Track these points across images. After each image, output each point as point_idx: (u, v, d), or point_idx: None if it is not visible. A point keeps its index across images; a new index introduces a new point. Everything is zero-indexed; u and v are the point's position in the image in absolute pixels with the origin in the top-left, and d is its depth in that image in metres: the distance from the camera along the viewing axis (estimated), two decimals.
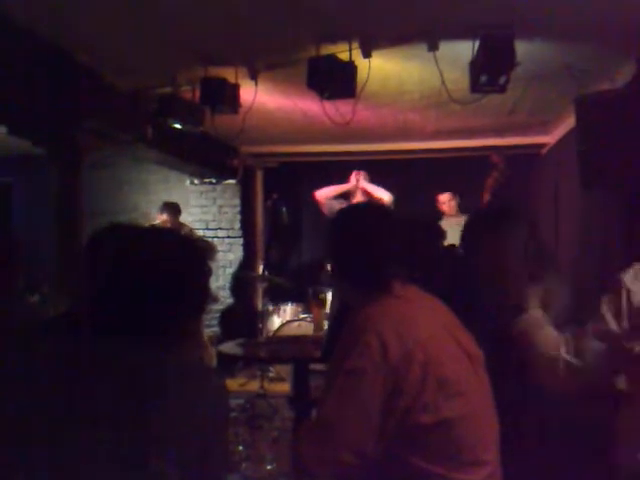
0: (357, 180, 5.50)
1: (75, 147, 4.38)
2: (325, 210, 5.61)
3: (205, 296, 1.38)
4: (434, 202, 5.79)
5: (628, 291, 1.65)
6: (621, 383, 1.75)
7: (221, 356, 3.82)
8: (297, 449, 1.52)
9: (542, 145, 6.27)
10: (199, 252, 1.36)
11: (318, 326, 3.36)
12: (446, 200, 5.58)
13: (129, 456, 1.10)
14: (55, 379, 1.16)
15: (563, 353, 1.73)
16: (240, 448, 2.29)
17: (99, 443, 1.10)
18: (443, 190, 5.70)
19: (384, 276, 1.62)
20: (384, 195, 5.44)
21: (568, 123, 5.18)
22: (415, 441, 1.47)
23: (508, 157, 5.88)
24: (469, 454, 1.51)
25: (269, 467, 2.21)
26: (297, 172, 7.07)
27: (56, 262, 4.28)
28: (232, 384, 5.22)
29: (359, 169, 5.59)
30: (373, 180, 5.65)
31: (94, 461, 1.10)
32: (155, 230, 1.59)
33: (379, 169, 5.77)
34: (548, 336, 1.81)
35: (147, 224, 6.25)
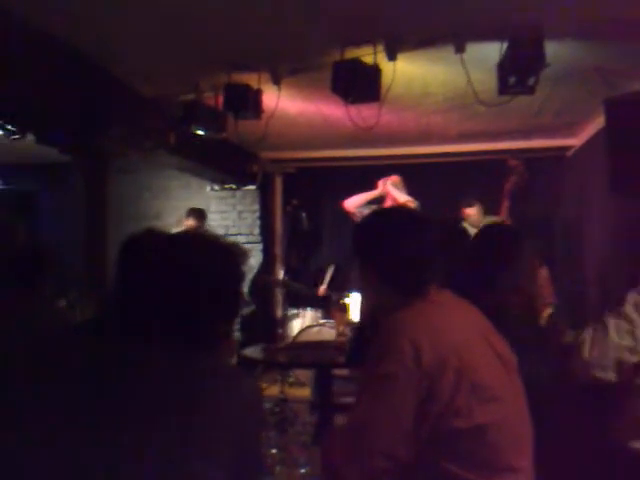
0: (384, 185, 5.43)
1: (101, 154, 4.42)
2: (356, 219, 5.54)
3: (239, 300, 1.39)
4: (456, 206, 5.72)
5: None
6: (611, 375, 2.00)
7: (240, 360, 3.83)
8: (327, 456, 1.50)
9: (568, 147, 6.19)
10: (233, 256, 1.37)
11: (340, 332, 3.32)
12: (473, 213, 5.50)
13: (172, 459, 1.11)
14: (95, 381, 1.17)
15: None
16: (274, 451, 2.27)
17: (142, 446, 1.11)
18: (465, 195, 5.60)
19: (422, 280, 1.60)
20: (407, 201, 5.37)
21: (595, 125, 5.11)
22: (448, 447, 1.46)
23: (532, 160, 5.84)
24: (503, 460, 1.49)
25: (303, 471, 2.19)
26: (316, 177, 7.07)
27: (83, 268, 4.33)
28: None
29: (389, 175, 5.51)
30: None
31: (139, 464, 1.10)
32: (190, 236, 1.59)
33: (400, 173, 5.71)
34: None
35: (171, 230, 6.30)
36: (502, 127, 5.37)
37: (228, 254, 1.36)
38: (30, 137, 4.19)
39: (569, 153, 6.25)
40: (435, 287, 1.61)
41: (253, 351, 3.17)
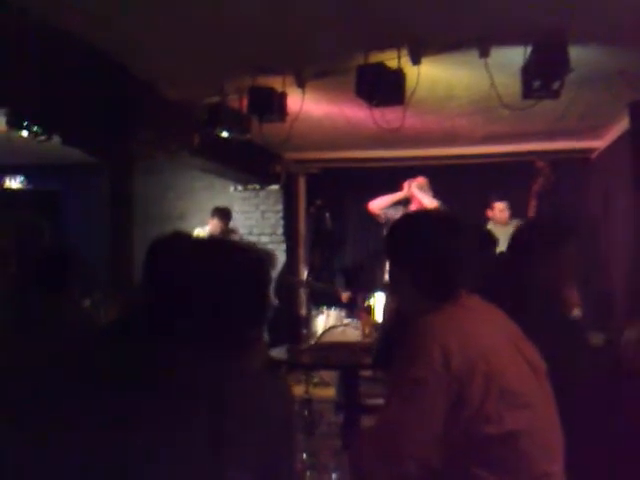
0: (409, 187, 5.42)
1: (128, 156, 4.48)
2: (382, 220, 5.55)
3: (267, 305, 1.39)
4: (481, 207, 5.69)
5: None
6: None
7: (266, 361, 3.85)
8: (356, 460, 1.51)
9: (592, 150, 6.14)
10: (261, 261, 1.38)
11: (366, 333, 3.35)
12: (503, 208, 5.45)
13: (203, 460, 1.12)
14: (124, 383, 1.18)
15: None
16: (304, 456, 2.30)
17: (173, 448, 1.12)
18: (491, 195, 5.58)
19: (453, 285, 1.60)
20: (432, 205, 5.35)
21: (619, 127, 5.08)
22: (480, 453, 1.45)
23: (556, 162, 5.81)
24: (535, 467, 1.48)
25: (334, 476, 2.22)
26: (340, 178, 7.08)
27: (107, 268, 4.38)
28: None
29: (410, 178, 5.50)
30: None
31: (170, 465, 1.11)
32: (218, 240, 1.62)
33: (425, 174, 5.70)
34: None
35: (195, 230, 6.37)
36: (527, 129, 5.35)
37: (255, 258, 1.36)
38: (56, 138, 4.26)
39: (594, 155, 6.21)
40: (465, 291, 1.61)
41: (278, 352, 3.21)
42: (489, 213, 5.53)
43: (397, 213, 5.45)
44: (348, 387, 3.18)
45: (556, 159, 5.92)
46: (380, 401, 1.64)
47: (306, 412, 3.14)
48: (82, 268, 2.70)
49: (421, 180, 5.45)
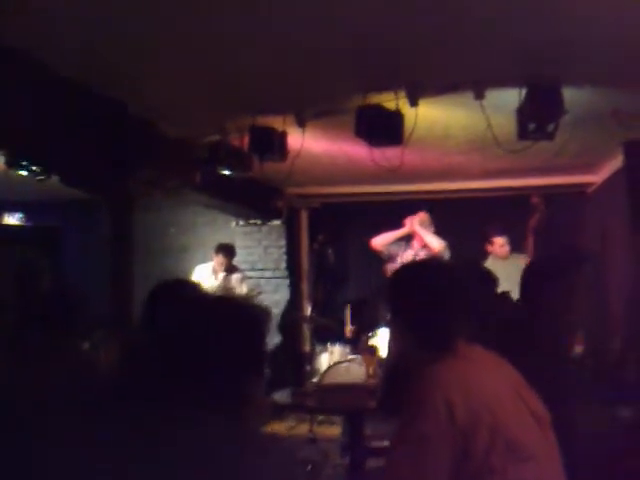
0: (411, 224, 5.47)
1: (127, 195, 4.50)
2: (384, 257, 5.58)
3: (262, 361, 1.40)
4: (481, 241, 5.73)
5: None
6: None
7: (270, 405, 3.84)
8: None
9: (589, 184, 6.21)
10: (258, 318, 1.41)
11: (371, 373, 3.35)
12: (503, 243, 5.48)
13: None
14: (124, 450, 1.19)
15: None
16: None
17: None
18: (490, 230, 5.61)
19: (450, 337, 1.61)
20: (433, 241, 5.36)
21: (615, 163, 5.15)
22: None
23: (553, 197, 5.88)
24: None
25: None
26: (342, 212, 7.13)
27: (108, 304, 4.37)
28: (281, 428, 5.21)
29: (410, 213, 5.56)
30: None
31: None
32: (214, 298, 1.64)
33: (426, 208, 5.74)
34: None
35: (198, 266, 6.39)
36: (523, 166, 5.41)
37: (252, 315, 1.40)
38: (55, 177, 4.26)
39: (590, 189, 6.28)
40: (464, 342, 1.62)
41: (282, 395, 3.21)
42: (489, 248, 5.56)
43: (399, 249, 5.49)
44: (353, 430, 3.16)
45: (553, 194, 6.01)
46: (386, 443, 1.64)
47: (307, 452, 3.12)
48: (83, 309, 2.70)
49: (422, 216, 5.48)
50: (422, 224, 5.42)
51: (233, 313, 1.37)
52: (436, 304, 1.63)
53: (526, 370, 1.66)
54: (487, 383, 1.56)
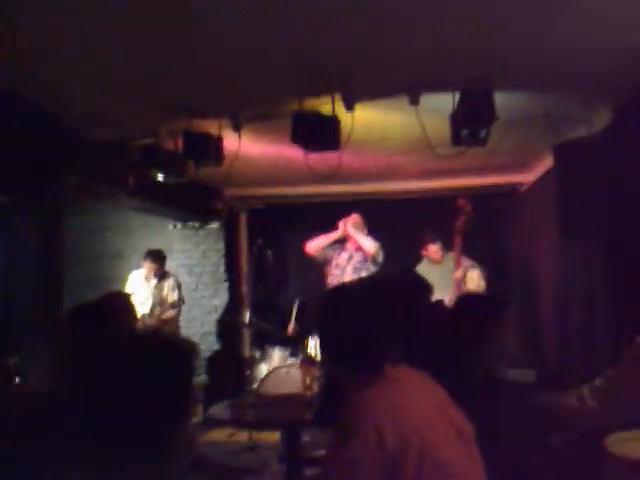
0: (345, 226, 5.46)
1: (56, 202, 4.34)
2: (319, 261, 5.56)
3: (189, 400, 1.37)
4: (415, 243, 5.77)
5: None
6: None
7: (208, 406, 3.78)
8: None
9: (522, 183, 6.37)
10: (184, 358, 1.37)
11: (307, 384, 3.32)
12: (437, 250, 5.57)
13: None
14: None
15: None
16: None
17: None
18: (425, 236, 5.67)
19: (377, 363, 1.63)
20: (367, 242, 5.38)
21: (546, 163, 5.29)
22: None
23: (488, 195, 6.01)
24: None
25: None
26: (281, 213, 7.07)
27: (36, 314, 4.20)
28: (220, 435, 5.13)
29: (349, 214, 5.55)
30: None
31: None
32: (138, 335, 1.58)
33: (363, 210, 5.76)
34: None
35: (131, 273, 6.21)
36: (459, 166, 5.49)
37: (178, 355, 1.36)
38: None
39: (522, 188, 6.44)
40: (391, 364, 1.64)
41: (219, 409, 3.17)
42: (423, 252, 5.64)
43: (334, 252, 5.48)
44: (291, 441, 3.17)
45: (488, 193, 6.14)
46: (323, 452, 1.66)
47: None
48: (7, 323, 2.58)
49: (355, 218, 5.50)
50: (355, 226, 5.43)
51: (157, 352, 1.32)
52: (358, 330, 1.64)
53: (457, 388, 1.69)
54: (416, 405, 1.59)
